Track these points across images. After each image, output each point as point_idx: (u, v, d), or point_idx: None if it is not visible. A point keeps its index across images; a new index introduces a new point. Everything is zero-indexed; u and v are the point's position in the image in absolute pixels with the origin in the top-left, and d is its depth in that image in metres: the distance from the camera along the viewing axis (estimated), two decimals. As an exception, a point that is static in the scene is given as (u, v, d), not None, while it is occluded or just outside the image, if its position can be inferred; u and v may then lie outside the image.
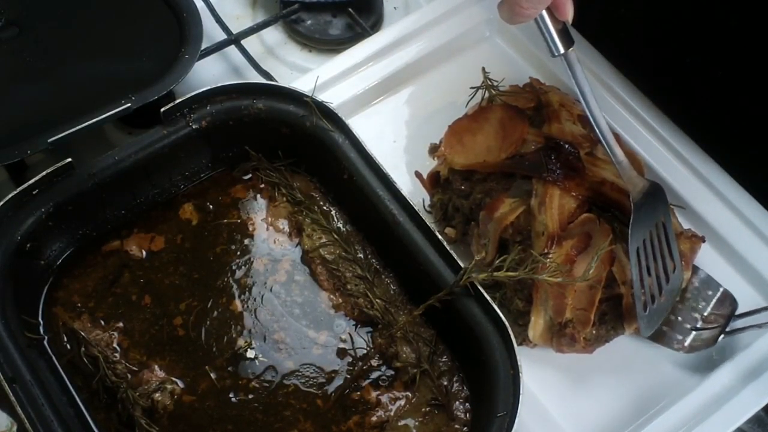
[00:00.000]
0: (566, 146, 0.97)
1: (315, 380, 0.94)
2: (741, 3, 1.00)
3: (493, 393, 0.87)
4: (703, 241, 1.00)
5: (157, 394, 0.91)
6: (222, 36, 1.20)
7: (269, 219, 1.03)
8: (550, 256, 0.92)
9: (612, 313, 0.95)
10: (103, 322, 0.95)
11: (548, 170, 0.96)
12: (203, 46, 1.08)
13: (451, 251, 0.92)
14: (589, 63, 1.14)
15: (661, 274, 0.94)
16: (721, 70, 1.06)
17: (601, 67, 1.15)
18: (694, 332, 0.98)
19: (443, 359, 0.95)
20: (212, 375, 0.93)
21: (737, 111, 1.08)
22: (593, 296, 0.92)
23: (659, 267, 0.94)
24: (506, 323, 0.88)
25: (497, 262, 0.92)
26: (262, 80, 1.15)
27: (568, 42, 0.88)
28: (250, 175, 1.05)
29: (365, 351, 0.96)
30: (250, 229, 1.02)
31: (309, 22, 1.24)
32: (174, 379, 0.93)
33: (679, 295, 0.98)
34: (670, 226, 0.96)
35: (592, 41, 1.16)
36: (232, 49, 1.20)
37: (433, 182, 1.07)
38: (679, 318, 0.98)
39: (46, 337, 0.93)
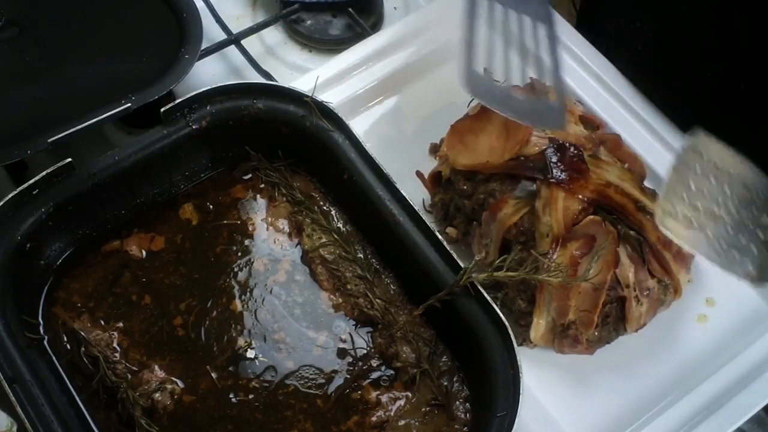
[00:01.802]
0: (570, 148, 0.97)
1: (315, 380, 0.94)
2: (762, 14, 0.99)
3: (493, 393, 0.87)
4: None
5: (157, 394, 0.91)
6: (222, 36, 1.20)
7: (269, 219, 1.03)
8: (554, 257, 0.92)
9: (614, 314, 0.95)
10: (103, 322, 0.95)
11: (553, 172, 0.96)
12: (203, 46, 1.08)
13: (451, 251, 0.92)
14: (598, 72, 1.15)
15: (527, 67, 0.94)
16: (728, 70, 1.06)
17: (608, 74, 1.15)
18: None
19: (443, 359, 0.94)
20: (213, 375, 0.93)
21: (739, 111, 1.08)
22: (597, 298, 0.92)
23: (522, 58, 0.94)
24: (506, 323, 0.88)
25: (497, 262, 0.92)
26: (262, 80, 1.15)
27: None
28: (250, 175, 1.05)
29: (365, 351, 0.96)
30: (250, 229, 1.02)
31: (309, 22, 1.24)
32: (174, 379, 0.93)
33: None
34: (553, 34, 0.96)
35: (606, 54, 1.17)
36: (232, 49, 1.20)
37: (435, 182, 1.07)
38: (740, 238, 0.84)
39: (46, 337, 0.93)
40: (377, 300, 0.96)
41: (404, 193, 0.96)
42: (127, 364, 0.93)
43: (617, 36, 1.18)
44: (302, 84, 1.05)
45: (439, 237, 0.94)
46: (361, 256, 1.00)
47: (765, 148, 1.06)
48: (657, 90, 1.13)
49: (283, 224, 1.03)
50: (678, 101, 1.12)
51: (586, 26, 1.24)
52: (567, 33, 1.17)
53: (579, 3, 1.34)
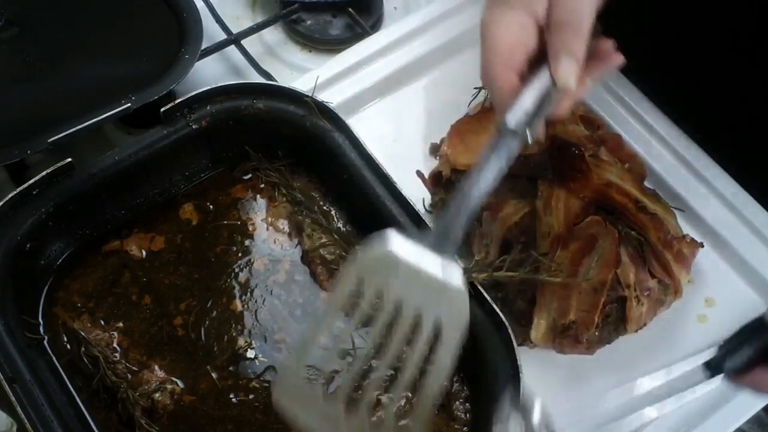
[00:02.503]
0: (571, 148, 0.97)
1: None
2: (752, 3, 0.99)
3: (494, 393, 0.87)
4: (702, 247, 1.00)
5: (157, 394, 0.91)
6: (222, 36, 1.20)
7: (269, 219, 1.03)
8: (555, 257, 0.92)
9: (614, 315, 0.94)
10: (103, 322, 0.95)
11: (553, 172, 0.96)
12: (203, 46, 1.08)
13: (452, 251, 0.92)
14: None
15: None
16: (728, 69, 1.06)
17: (608, 74, 1.15)
18: None
19: (443, 359, 0.94)
20: (213, 375, 0.93)
21: (740, 111, 1.08)
22: (597, 299, 0.92)
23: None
24: (506, 323, 0.88)
25: (497, 262, 0.92)
26: (262, 80, 1.15)
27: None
28: (250, 175, 1.05)
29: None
30: (250, 229, 1.02)
31: (309, 22, 1.24)
32: (174, 379, 0.92)
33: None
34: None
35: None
36: (232, 49, 1.20)
37: (435, 182, 1.07)
38: None
39: (46, 337, 0.93)
40: (377, 300, 0.96)
41: (404, 193, 0.96)
42: (127, 364, 0.93)
43: (604, 24, 1.18)
44: (302, 84, 1.05)
45: (440, 237, 0.93)
46: (361, 256, 1.00)
47: (755, 132, 1.07)
48: (644, 78, 1.13)
49: (283, 224, 1.03)
50: (666, 89, 1.12)
51: None
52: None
53: None
